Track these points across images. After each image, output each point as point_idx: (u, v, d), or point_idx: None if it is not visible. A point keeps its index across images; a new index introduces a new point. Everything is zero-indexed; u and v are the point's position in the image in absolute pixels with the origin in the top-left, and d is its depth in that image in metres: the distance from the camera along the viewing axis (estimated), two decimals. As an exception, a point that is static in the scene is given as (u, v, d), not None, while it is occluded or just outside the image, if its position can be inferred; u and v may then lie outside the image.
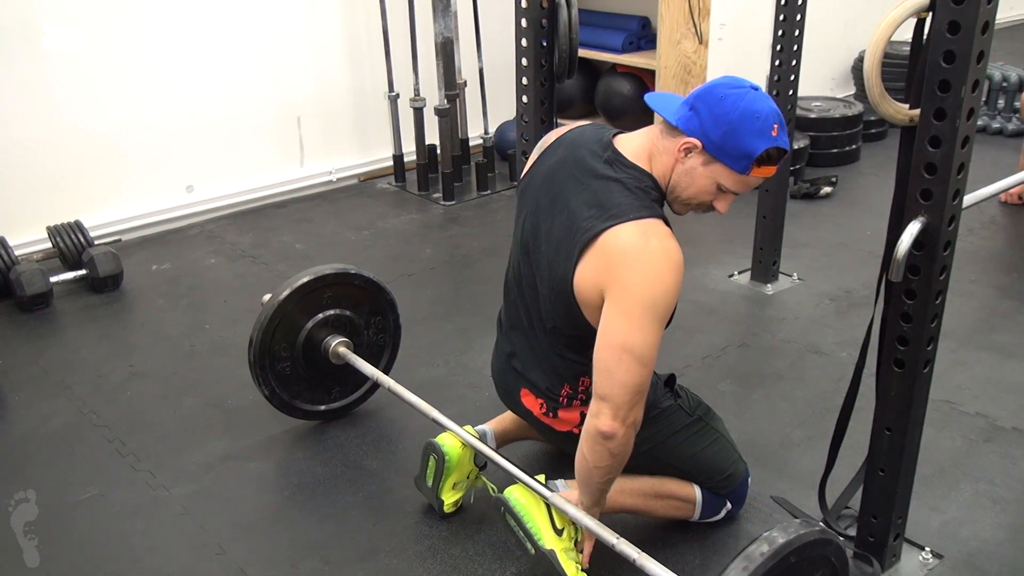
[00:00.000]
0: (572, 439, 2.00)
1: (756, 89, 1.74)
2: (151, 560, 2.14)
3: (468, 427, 2.20)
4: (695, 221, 4.14)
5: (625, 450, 1.80)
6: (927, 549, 2.09)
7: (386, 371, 2.66)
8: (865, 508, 2.00)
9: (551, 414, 2.02)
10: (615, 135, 1.87)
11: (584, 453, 1.83)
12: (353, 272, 2.53)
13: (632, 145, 1.84)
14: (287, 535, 2.21)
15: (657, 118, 1.83)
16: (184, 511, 2.30)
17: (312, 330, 2.50)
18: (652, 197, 1.79)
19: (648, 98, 1.89)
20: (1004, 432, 2.53)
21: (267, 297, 2.47)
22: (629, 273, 1.71)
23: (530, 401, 2.05)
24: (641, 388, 1.74)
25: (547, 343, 1.96)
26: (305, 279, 2.46)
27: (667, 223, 1.78)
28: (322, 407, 2.61)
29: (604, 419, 1.75)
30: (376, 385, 2.52)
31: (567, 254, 1.80)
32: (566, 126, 2.01)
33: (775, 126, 1.71)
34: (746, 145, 1.70)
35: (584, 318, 1.83)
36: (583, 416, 1.96)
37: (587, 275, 1.77)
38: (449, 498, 2.20)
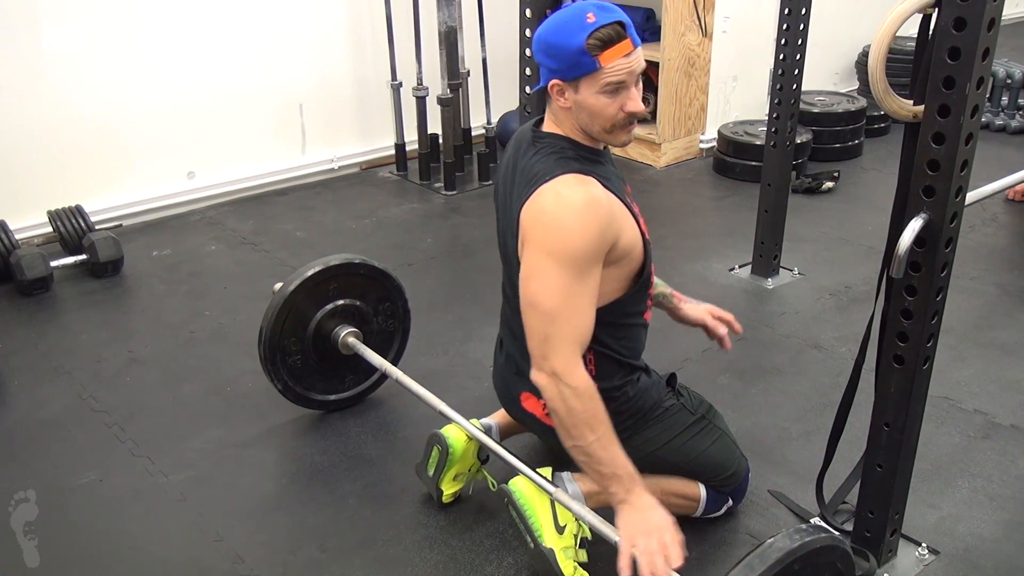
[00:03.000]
0: None
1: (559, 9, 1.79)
2: (149, 546, 2.14)
3: (474, 420, 2.21)
4: (696, 215, 4.16)
5: (559, 406, 1.76)
6: (924, 545, 2.09)
7: (397, 357, 2.68)
8: (862, 503, 2.00)
9: None
10: (540, 118, 1.92)
11: None
12: (357, 262, 2.53)
13: (546, 121, 1.89)
14: (285, 522, 2.22)
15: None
16: (182, 497, 2.30)
17: (320, 322, 2.50)
18: (568, 155, 1.82)
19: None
20: (1002, 429, 2.54)
21: (278, 286, 2.47)
22: (535, 229, 1.76)
23: (532, 404, 2.04)
24: (546, 337, 1.74)
25: None
26: (309, 272, 2.46)
27: (587, 173, 1.78)
28: (337, 396, 2.61)
29: (532, 371, 1.80)
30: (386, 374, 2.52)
31: (515, 237, 1.85)
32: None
33: (588, 14, 1.71)
34: (571, 47, 1.70)
35: None
36: None
37: (521, 248, 1.82)
38: (449, 489, 2.20)
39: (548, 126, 1.87)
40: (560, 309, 1.74)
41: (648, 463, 2.02)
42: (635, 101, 1.77)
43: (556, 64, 1.74)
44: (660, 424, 2.03)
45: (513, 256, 1.88)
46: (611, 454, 1.78)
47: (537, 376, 1.78)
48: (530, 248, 1.76)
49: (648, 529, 1.75)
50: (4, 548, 2.13)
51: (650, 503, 1.79)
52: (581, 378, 1.77)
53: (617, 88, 1.73)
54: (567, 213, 1.73)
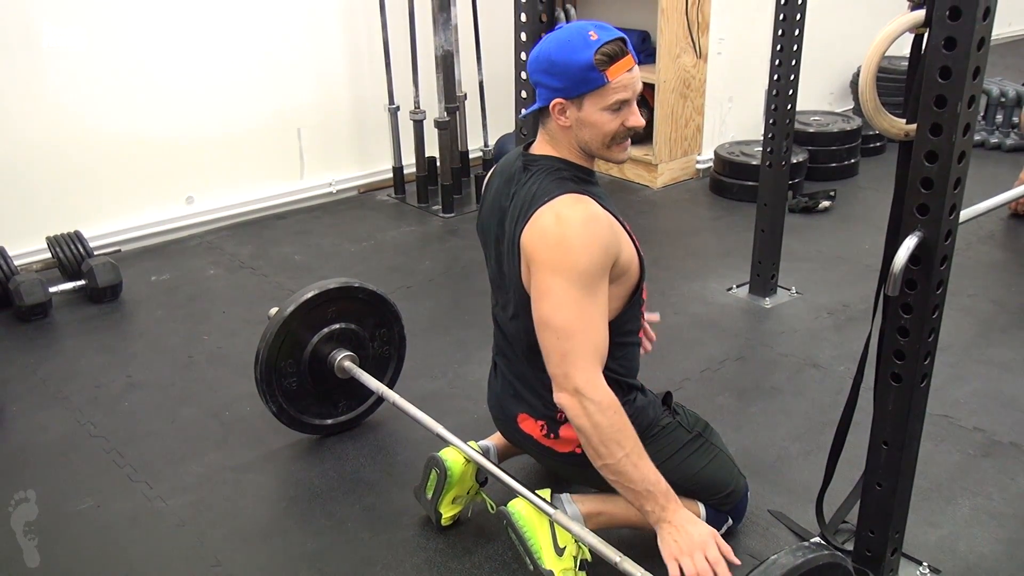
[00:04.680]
0: (574, 460, 1.99)
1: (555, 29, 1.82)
2: (148, 571, 2.13)
3: (472, 442, 2.20)
4: (693, 235, 4.17)
5: (585, 423, 1.75)
6: (924, 564, 2.08)
7: (392, 383, 2.67)
8: (862, 522, 2.00)
9: (552, 435, 2.01)
10: (527, 145, 1.94)
11: None
12: (357, 285, 2.54)
13: (538, 144, 1.91)
14: (284, 546, 2.21)
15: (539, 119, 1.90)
16: (181, 522, 2.30)
17: (317, 345, 2.50)
18: (564, 176, 1.83)
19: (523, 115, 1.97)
20: (1002, 447, 2.53)
21: (273, 311, 2.48)
22: (540, 251, 1.77)
23: (529, 425, 2.04)
24: (564, 354, 1.75)
25: (530, 368, 1.97)
26: (309, 294, 2.46)
27: (584, 192, 1.80)
28: (330, 421, 2.61)
29: (554, 393, 1.80)
30: (382, 398, 2.52)
31: (514, 263, 1.86)
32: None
33: (590, 32, 1.74)
34: (579, 63, 1.73)
35: None
36: None
37: (525, 272, 1.83)
38: (448, 512, 2.20)
39: (541, 149, 1.88)
40: (574, 325, 1.74)
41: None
42: (636, 116, 1.81)
43: (560, 82, 1.75)
44: (657, 443, 2.02)
45: (512, 281, 1.89)
46: (642, 471, 1.78)
47: (560, 396, 1.78)
48: (538, 270, 1.77)
49: (691, 548, 1.75)
50: (4, 551, 2.12)
51: (688, 518, 1.79)
52: (604, 392, 1.77)
53: (621, 105, 1.77)
54: (570, 231, 1.74)
